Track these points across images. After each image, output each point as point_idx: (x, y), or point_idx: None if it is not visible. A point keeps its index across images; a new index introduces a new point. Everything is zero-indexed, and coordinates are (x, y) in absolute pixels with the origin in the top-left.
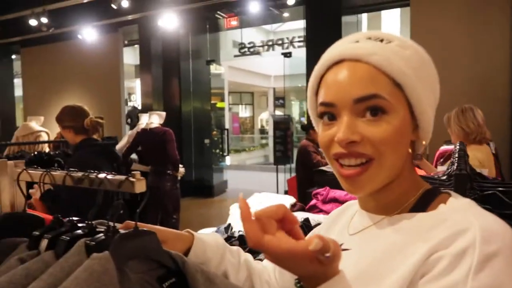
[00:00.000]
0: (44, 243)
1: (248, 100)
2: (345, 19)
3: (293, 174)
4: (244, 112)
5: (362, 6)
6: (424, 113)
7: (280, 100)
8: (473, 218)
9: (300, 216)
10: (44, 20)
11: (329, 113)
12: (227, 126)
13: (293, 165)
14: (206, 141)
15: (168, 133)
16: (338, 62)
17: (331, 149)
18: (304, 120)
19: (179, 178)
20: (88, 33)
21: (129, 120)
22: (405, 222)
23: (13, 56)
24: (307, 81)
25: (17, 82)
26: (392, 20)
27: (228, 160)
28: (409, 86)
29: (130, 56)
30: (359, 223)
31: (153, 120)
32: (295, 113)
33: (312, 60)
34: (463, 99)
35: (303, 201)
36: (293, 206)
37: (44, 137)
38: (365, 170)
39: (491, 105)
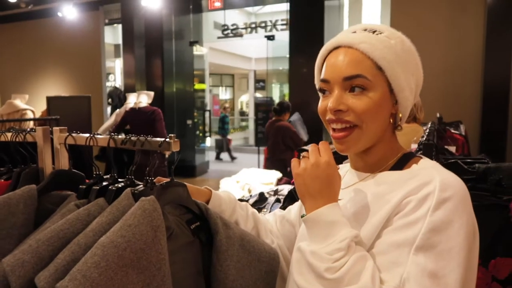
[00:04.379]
0: (93, 192)
1: (229, 82)
2: (328, 3)
3: None
4: (224, 94)
5: None
6: (402, 91)
7: (261, 82)
8: (436, 173)
9: (288, 188)
10: None
11: (326, 88)
12: (208, 107)
13: None
14: (189, 122)
15: (157, 112)
16: (337, 48)
17: (326, 116)
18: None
19: (166, 156)
20: (69, 11)
21: (110, 100)
22: (385, 178)
23: None
24: (290, 63)
25: None
26: (373, 5)
27: (208, 141)
28: (389, 69)
29: (109, 35)
30: (349, 179)
31: (142, 99)
32: (275, 95)
33: (294, 43)
34: (437, 84)
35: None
36: (279, 180)
37: (30, 115)
38: (350, 133)
39: (463, 89)
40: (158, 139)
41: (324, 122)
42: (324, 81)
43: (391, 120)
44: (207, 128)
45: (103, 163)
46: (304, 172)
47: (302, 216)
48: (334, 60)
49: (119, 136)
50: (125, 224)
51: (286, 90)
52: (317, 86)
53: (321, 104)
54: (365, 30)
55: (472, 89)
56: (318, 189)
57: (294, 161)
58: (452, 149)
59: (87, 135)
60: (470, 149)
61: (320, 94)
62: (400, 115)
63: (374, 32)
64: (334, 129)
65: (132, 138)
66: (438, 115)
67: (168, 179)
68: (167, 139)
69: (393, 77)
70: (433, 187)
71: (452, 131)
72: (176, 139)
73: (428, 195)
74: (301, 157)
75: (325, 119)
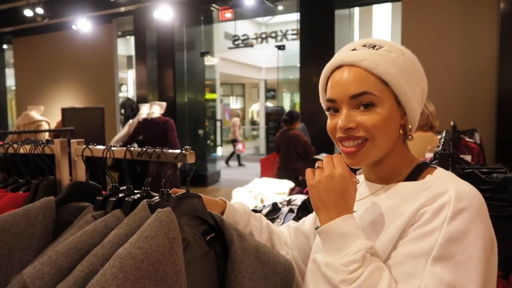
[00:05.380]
0: (110, 204)
1: (239, 92)
2: (338, 12)
3: None
4: (235, 103)
5: (354, 0)
6: (409, 102)
7: (271, 91)
8: (451, 183)
9: (301, 198)
10: (40, 10)
11: (333, 107)
12: (219, 117)
13: None
14: (200, 131)
15: (169, 122)
16: (339, 67)
17: (336, 134)
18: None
19: (178, 166)
20: (82, 24)
21: (122, 111)
22: (399, 189)
23: (5, 46)
24: (301, 73)
25: (8, 72)
26: (383, 14)
27: (219, 151)
28: (394, 82)
29: (122, 47)
30: (363, 191)
31: (154, 110)
32: (286, 105)
33: (305, 52)
34: (451, 92)
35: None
36: (292, 189)
37: (45, 126)
38: (361, 148)
39: (477, 97)
40: (174, 151)
41: (333, 140)
42: (330, 100)
43: (401, 131)
44: (218, 138)
45: (117, 173)
46: (319, 184)
47: (316, 228)
48: (338, 79)
49: (135, 148)
50: (142, 235)
51: (296, 99)
52: (323, 105)
53: (329, 122)
54: (364, 46)
55: (486, 97)
56: (333, 202)
57: (308, 172)
58: (468, 158)
59: (103, 147)
60: (486, 158)
61: (327, 113)
62: (410, 125)
63: (373, 47)
64: (344, 146)
65: (148, 150)
66: (452, 123)
67: (183, 191)
68: (183, 151)
69: (399, 89)
70: (448, 197)
71: (467, 139)
72: (191, 151)
73: (444, 205)
74: (315, 167)
75: (335, 137)
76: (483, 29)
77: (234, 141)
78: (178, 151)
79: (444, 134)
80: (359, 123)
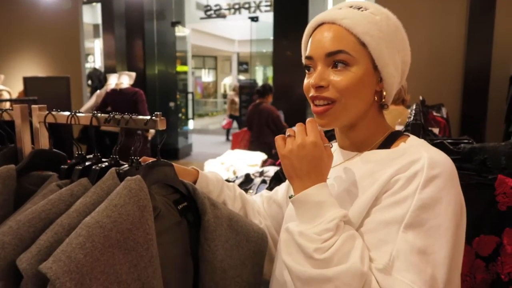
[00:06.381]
0: (76, 172)
1: (211, 65)
2: None
3: None
4: (207, 76)
5: None
6: (386, 67)
7: (244, 65)
8: (424, 151)
9: (274, 170)
10: None
11: (310, 65)
12: (190, 90)
13: None
14: (171, 104)
15: (139, 93)
16: (321, 24)
17: (309, 93)
18: None
19: (149, 138)
20: None
21: (89, 82)
22: (373, 156)
23: None
24: (274, 46)
25: None
26: None
27: (191, 124)
28: (372, 44)
29: (88, 15)
30: (336, 158)
31: (123, 80)
32: (258, 78)
33: (279, 25)
34: (420, 67)
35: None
36: (264, 162)
37: (6, 96)
38: (329, 109)
39: (445, 73)
40: (143, 117)
41: (308, 100)
42: (308, 58)
43: (376, 98)
44: (190, 111)
45: (84, 145)
46: (290, 153)
47: (290, 197)
48: (318, 37)
49: (102, 114)
50: (111, 204)
51: (269, 73)
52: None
53: (305, 81)
54: (351, 7)
55: (454, 73)
56: (306, 170)
57: (279, 140)
58: (436, 131)
59: (68, 113)
60: (451, 132)
61: (306, 72)
62: (385, 92)
63: (359, 8)
64: (315, 105)
65: (116, 116)
66: (420, 98)
67: (154, 159)
68: (153, 117)
69: (377, 52)
70: (421, 165)
71: (434, 113)
72: (162, 117)
73: (416, 173)
74: (286, 135)
75: (309, 96)
76: (453, 7)
77: (232, 117)
78: (148, 117)
79: (414, 107)
80: (331, 82)
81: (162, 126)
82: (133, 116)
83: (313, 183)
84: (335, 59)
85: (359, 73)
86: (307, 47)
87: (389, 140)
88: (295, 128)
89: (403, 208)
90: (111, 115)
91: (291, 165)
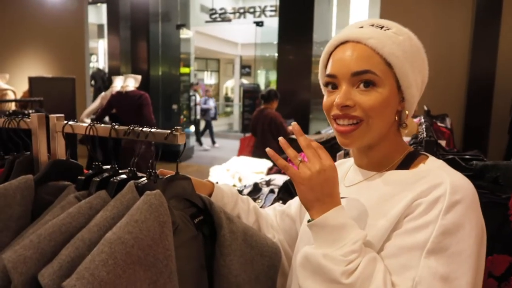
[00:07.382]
0: (94, 184)
1: (214, 67)
2: None
3: None
4: (209, 79)
5: None
6: (409, 88)
7: (247, 68)
8: (446, 175)
9: (281, 178)
10: None
11: (332, 83)
12: (193, 92)
13: None
14: (174, 106)
15: (145, 96)
16: (344, 43)
17: (331, 111)
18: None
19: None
20: None
21: (93, 82)
22: (392, 177)
23: None
24: (278, 50)
25: None
26: None
27: (192, 127)
28: (398, 65)
29: (93, 15)
30: (353, 177)
31: (129, 83)
32: (261, 82)
33: (283, 30)
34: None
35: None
36: (270, 169)
37: (11, 96)
38: (356, 129)
39: (449, 82)
40: (163, 131)
41: (328, 117)
42: (330, 76)
43: (396, 118)
44: (192, 113)
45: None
46: (310, 181)
47: (309, 221)
48: (341, 55)
49: (120, 127)
50: (132, 219)
51: (272, 77)
52: (321, 81)
53: (326, 99)
54: (372, 25)
55: (458, 83)
56: (327, 193)
57: (291, 170)
58: (443, 143)
59: (86, 124)
60: (455, 142)
61: (323, 89)
62: (407, 112)
63: (381, 28)
64: (338, 124)
65: (135, 129)
66: (425, 108)
67: (171, 172)
68: (174, 132)
69: (402, 73)
70: (443, 190)
71: (439, 124)
72: (182, 132)
73: (439, 198)
74: (298, 161)
75: (330, 115)
76: (458, 14)
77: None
78: (168, 131)
79: (423, 120)
80: (357, 102)
81: (181, 140)
82: (152, 130)
83: (333, 206)
84: (361, 79)
85: (385, 93)
86: (328, 64)
87: (408, 160)
88: (304, 152)
89: (425, 234)
90: (130, 128)
91: (311, 190)
